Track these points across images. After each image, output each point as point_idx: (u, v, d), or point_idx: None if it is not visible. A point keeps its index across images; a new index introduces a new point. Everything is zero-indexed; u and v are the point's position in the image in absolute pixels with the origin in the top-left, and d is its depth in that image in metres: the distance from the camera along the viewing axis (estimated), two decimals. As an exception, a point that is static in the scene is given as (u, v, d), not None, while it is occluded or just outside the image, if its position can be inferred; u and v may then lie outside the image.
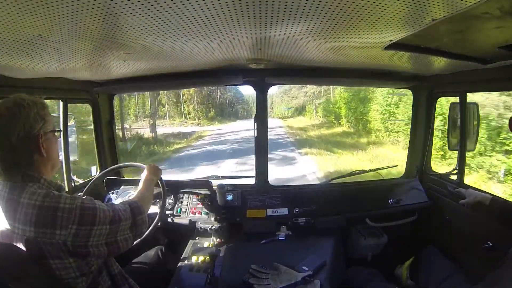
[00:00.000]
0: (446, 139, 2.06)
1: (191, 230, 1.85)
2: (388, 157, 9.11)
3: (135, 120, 20.27)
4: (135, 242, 1.24)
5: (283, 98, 29.15)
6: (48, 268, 0.87)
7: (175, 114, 25.01)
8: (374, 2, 0.76)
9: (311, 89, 22.51)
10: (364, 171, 2.27)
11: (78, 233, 0.90)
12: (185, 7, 0.77)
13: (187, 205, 1.93)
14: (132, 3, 0.73)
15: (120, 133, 13.38)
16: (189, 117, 25.30)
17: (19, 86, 1.38)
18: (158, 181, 1.53)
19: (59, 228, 0.87)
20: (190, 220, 1.86)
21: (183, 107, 25.05)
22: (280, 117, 27.16)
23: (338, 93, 16.82)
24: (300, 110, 25.97)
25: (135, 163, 1.70)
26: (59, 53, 1.12)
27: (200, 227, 1.84)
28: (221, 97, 28.43)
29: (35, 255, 0.87)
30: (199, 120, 25.22)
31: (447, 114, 1.98)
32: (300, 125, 19.84)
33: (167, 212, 1.87)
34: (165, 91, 20.94)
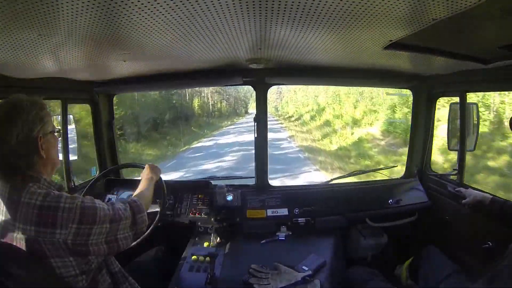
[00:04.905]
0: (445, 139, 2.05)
1: (191, 230, 1.85)
2: None
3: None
4: (135, 242, 1.24)
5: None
6: (48, 267, 0.88)
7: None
8: (374, 2, 0.76)
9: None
10: (364, 171, 2.27)
11: (78, 232, 0.90)
12: (185, 6, 0.77)
13: (187, 205, 1.92)
14: (132, 2, 0.73)
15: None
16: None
17: (19, 86, 1.38)
18: (158, 180, 1.53)
19: (59, 228, 0.88)
20: (190, 220, 1.85)
21: None
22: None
23: None
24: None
25: (135, 163, 1.70)
26: (59, 53, 1.12)
27: (200, 227, 1.84)
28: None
29: (36, 254, 0.87)
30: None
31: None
32: None
33: (167, 212, 1.87)
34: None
